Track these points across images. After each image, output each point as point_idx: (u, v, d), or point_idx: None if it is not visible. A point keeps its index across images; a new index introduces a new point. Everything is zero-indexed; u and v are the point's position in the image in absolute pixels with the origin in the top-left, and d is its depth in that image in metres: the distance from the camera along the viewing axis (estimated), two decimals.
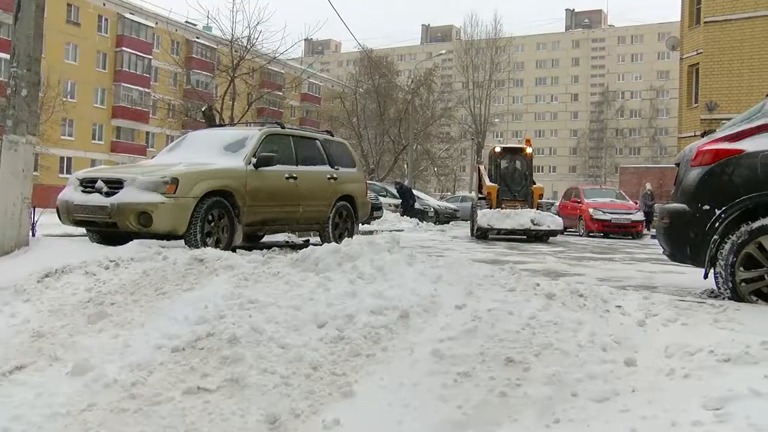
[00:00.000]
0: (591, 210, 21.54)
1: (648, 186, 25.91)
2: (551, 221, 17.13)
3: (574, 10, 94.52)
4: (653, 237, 15.26)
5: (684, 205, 5.68)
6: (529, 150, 19.26)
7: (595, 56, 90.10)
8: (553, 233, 17.37)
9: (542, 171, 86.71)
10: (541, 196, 19.47)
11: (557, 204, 26.57)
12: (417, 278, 4.64)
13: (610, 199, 22.92)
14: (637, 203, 23.78)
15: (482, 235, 17.38)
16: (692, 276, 7.27)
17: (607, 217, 21.25)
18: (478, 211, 17.40)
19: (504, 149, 20.09)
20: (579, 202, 22.61)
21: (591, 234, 21.39)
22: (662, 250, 6.25)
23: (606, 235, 21.20)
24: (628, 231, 21.41)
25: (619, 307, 4.66)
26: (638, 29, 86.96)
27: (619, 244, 17.83)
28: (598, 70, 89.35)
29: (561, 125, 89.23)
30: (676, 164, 6.40)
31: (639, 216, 21.95)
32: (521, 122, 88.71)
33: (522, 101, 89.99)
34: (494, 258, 10.61)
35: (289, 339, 3.72)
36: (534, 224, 16.35)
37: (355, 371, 3.45)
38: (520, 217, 16.74)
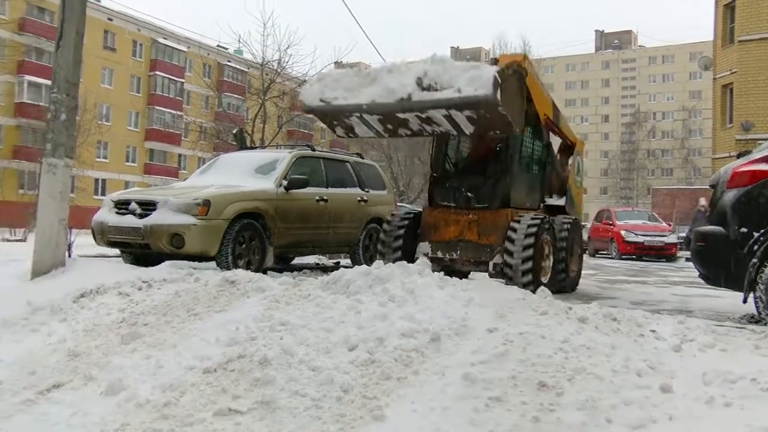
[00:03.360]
0: (623, 232, 21.23)
1: (702, 201, 25.10)
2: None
3: (603, 31, 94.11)
4: (688, 260, 14.98)
5: (720, 228, 5.59)
6: None
7: (626, 77, 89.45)
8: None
9: None
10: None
11: (589, 226, 26.25)
12: (448, 301, 4.63)
13: (643, 221, 22.58)
14: (670, 225, 23.37)
15: None
16: (730, 300, 7.12)
17: (640, 239, 20.92)
18: None
19: None
20: (611, 224, 22.31)
21: (623, 256, 21.08)
22: (698, 273, 6.14)
23: (639, 258, 20.87)
24: (661, 254, 21.06)
25: (654, 331, 4.57)
26: (669, 49, 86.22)
27: (653, 266, 17.53)
28: (629, 91, 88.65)
29: (592, 146, 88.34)
30: (711, 186, 6.30)
31: (673, 238, 21.59)
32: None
33: None
34: None
35: (320, 361, 3.72)
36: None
37: (386, 394, 3.43)
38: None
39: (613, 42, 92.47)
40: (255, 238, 8.26)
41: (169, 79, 50.75)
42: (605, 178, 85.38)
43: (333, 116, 7.60)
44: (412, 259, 7.55)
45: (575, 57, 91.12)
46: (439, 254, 8.14)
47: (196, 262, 7.35)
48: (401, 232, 8.28)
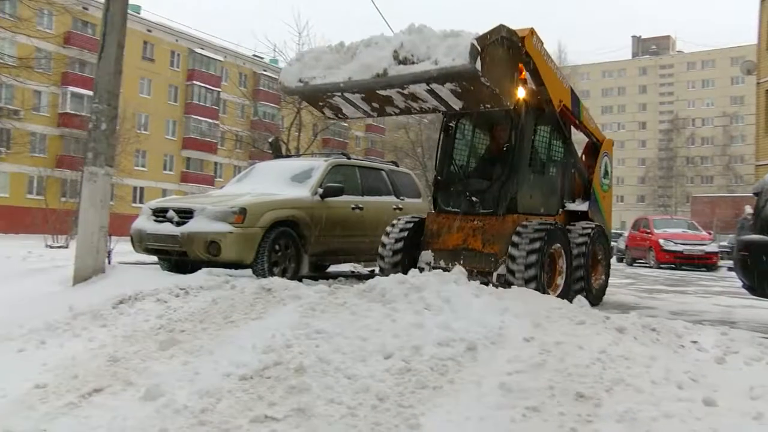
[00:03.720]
0: (662, 241, 20.87)
1: (748, 209, 24.69)
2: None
3: (640, 36, 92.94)
4: (730, 269, 14.65)
5: (765, 237, 5.46)
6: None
7: (664, 83, 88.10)
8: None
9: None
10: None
11: (626, 234, 25.85)
12: (484, 310, 4.60)
13: (682, 229, 22.17)
14: (711, 233, 22.89)
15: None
16: None
17: (679, 248, 20.54)
18: None
19: None
20: (649, 233, 21.96)
21: (662, 266, 20.71)
22: (741, 283, 6.00)
23: (678, 267, 20.48)
24: (701, 263, 20.63)
25: (695, 342, 4.48)
26: (709, 54, 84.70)
27: (693, 276, 17.18)
28: (666, 98, 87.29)
29: (629, 154, 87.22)
30: (754, 193, 6.17)
31: (713, 247, 21.14)
32: None
33: None
34: None
35: (355, 369, 3.72)
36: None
37: (421, 403, 3.42)
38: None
39: (651, 48, 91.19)
40: (290, 246, 8.32)
41: (206, 88, 51.50)
42: (642, 186, 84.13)
43: (314, 97, 7.28)
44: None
45: (612, 63, 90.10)
46: (442, 264, 7.56)
47: (233, 270, 7.42)
48: (400, 245, 7.75)
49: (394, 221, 8.12)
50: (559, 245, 7.31)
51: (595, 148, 9.36)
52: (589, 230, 8.03)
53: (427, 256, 7.75)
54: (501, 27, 6.06)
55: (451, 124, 8.21)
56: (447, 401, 3.42)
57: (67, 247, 17.57)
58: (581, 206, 8.66)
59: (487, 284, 6.17)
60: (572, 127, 8.67)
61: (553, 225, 7.29)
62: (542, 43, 7.31)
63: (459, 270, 5.27)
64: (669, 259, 20.63)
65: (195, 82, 50.89)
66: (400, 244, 7.71)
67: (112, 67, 7.56)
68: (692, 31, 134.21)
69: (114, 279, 7.11)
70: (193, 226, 7.83)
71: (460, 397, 3.45)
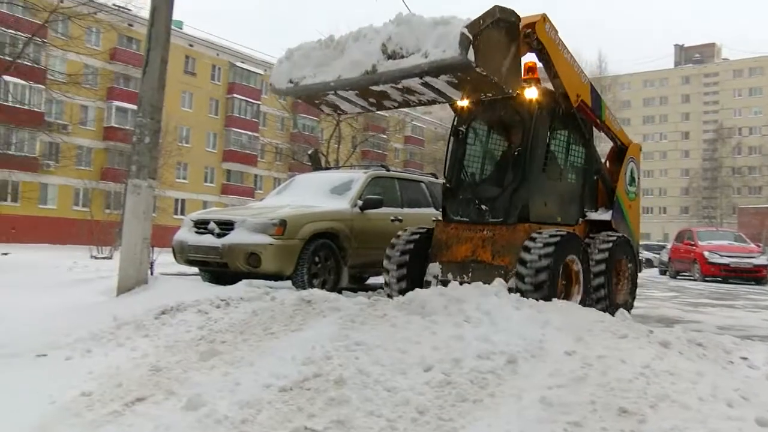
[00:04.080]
0: (707, 253, 20.37)
1: None
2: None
3: (683, 45, 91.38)
4: None
5: None
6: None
7: (708, 92, 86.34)
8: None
9: (652, 212, 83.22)
10: None
11: (669, 246, 25.34)
12: (524, 322, 4.56)
13: (728, 241, 21.61)
14: (760, 246, 22.27)
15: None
16: None
17: (725, 260, 20.01)
18: None
19: None
20: (693, 245, 21.47)
21: (707, 278, 20.22)
22: None
23: (724, 280, 19.97)
24: (750, 276, 20.06)
25: (745, 359, 4.36)
26: (757, 61, 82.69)
27: (741, 289, 16.72)
28: (711, 107, 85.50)
29: (671, 164, 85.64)
30: None
31: (763, 260, 20.53)
32: None
33: None
34: None
35: (395, 382, 3.71)
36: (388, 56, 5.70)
37: (461, 416, 3.39)
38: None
39: (694, 56, 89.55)
40: (330, 258, 8.36)
41: (246, 101, 52.20)
42: (686, 197, 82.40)
43: (308, 96, 6.87)
44: (420, 286, 6.78)
45: (653, 73, 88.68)
46: (450, 277, 7.11)
47: (272, 282, 7.48)
48: (405, 257, 7.32)
49: (400, 232, 7.76)
50: (575, 256, 6.82)
51: (620, 153, 8.71)
52: (612, 241, 7.51)
53: (434, 268, 7.39)
54: (495, 9, 5.49)
55: (461, 128, 7.79)
56: (487, 415, 3.38)
57: (111, 258, 17.95)
58: (604, 215, 8.08)
59: None
60: (594, 128, 8.14)
61: (569, 233, 6.86)
62: (556, 32, 6.91)
63: (499, 282, 5.21)
64: (714, 272, 20.13)
65: (235, 95, 51.62)
66: (405, 257, 7.35)
67: (156, 81, 7.72)
68: (737, 39, 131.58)
69: (156, 290, 7.24)
70: (233, 237, 7.93)
71: (501, 411, 3.41)
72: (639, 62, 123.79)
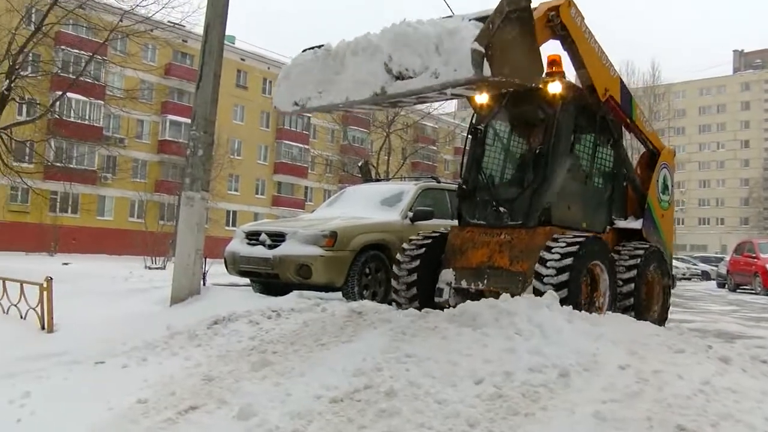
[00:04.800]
0: None
1: None
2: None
3: (743, 50, 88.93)
4: None
5: None
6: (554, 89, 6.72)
7: None
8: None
9: (709, 223, 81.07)
10: None
11: (728, 259, 24.57)
12: (576, 335, 4.47)
13: None
14: None
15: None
16: None
17: None
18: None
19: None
20: (754, 257, 20.74)
21: None
22: None
23: None
24: None
25: None
26: None
27: None
28: None
29: (729, 174, 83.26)
30: None
31: None
32: (684, 172, 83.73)
33: (684, 150, 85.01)
34: None
35: (446, 394, 3.69)
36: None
37: (512, 430, 3.35)
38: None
39: (755, 62, 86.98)
40: (381, 270, 8.37)
41: (297, 114, 52.86)
42: (746, 208, 79.87)
43: (319, 111, 6.67)
44: (431, 295, 6.58)
45: (710, 80, 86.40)
46: (464, 284, 6.69)
47: (323, 293, 7.53)
48: (416, 263, 6.84)
49: (411, 237, 7.30)
50: (601, 262, 6.34)
51: (652, 158, 8.13)
52: (643, 251, 6.98)
53: (447, 275, 6.92)
54: (502, 3, 4.86)
55: (479, 127, 7.27)
56: (538, 429, 3.33)
57: (164, 269, 18.36)
58: (634, 224, 7.55)
59: None
60: (624, 129, 7.60)
61: (595, 237, 6.43)
62: (582, 18, 6.45)
63: (551, 295, 5.12)
64: None
65: None
66: (416, 263, 6.88)
67: (209, 96, 7.88)
68: None
69: (208, 300, 7.36)
70: (284, 249, 8.01)
71: (552, 425, 3.35)
72: (695, 70, 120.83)
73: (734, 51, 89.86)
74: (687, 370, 3.80)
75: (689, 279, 34.63)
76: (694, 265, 38.71)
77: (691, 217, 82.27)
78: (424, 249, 6.95)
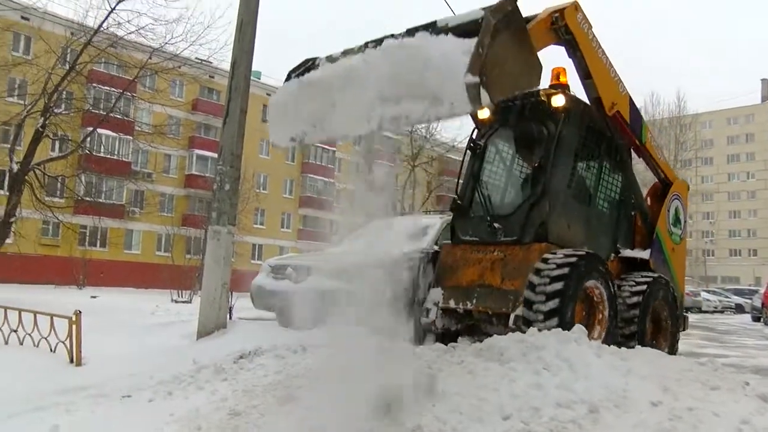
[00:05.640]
0: None
1: None
2: None
3: None
4: None
5: None
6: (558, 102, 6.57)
7: None
8: None
9: (740, 254, 79.60)
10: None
11: (762, 291, 24.06)
12: (606, 370, 4.39)
13: None
14: None
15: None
16: None
17: None
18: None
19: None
20: None
21: None
22: None
23: None
24: None
25: None
26: None
27: None
28: None
29: (761, 204, 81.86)
30: None
31: None
32: (712, 202, 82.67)
33: (712, 180, 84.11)
34: (689, 350, 9.75)
35: (473, 430, 3.64)
36: None
37: None
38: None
39: None
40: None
41: (322, 147, 53.23)
42: None
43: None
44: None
45: (738, 109, 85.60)
46: (451, 303, 6.31)
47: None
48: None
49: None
50: (597, 282, 5.92)
51: (663, 189, 7.77)
52: (648, 281, 6.60)
53: (435, 294, 6.61)
54: (488, 18, 4.36)
55: (479, 142, 7.01)
56: None
57: (190, 302, 18.43)
58: (641, 254, 7.20)
59: (503, 333, 5.10)
60: (634, 153, 7.25)
61: (589, 254, 6.00)
62: (590, 25, 6.10)
63: (579, 329, 5.03)
64: None
65: None
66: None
67: (236, 131, 7.99)
68: None
69: (235, 334, 7.36)
70: (310, 283, 8.01)
71: None
72: (721, 99, 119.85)
73: (762, 80, 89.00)
74: (723, 408, 3.71)
75: (722, 312, 33.91)
76: (727, 297, 37.92)
77: (722, 248, 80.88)
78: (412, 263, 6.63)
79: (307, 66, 5.32)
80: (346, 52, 5.08)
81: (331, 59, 5.26)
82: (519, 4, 4.56)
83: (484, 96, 4.27)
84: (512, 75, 4.63)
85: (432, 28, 4.56)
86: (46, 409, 4.81)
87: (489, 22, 4.39)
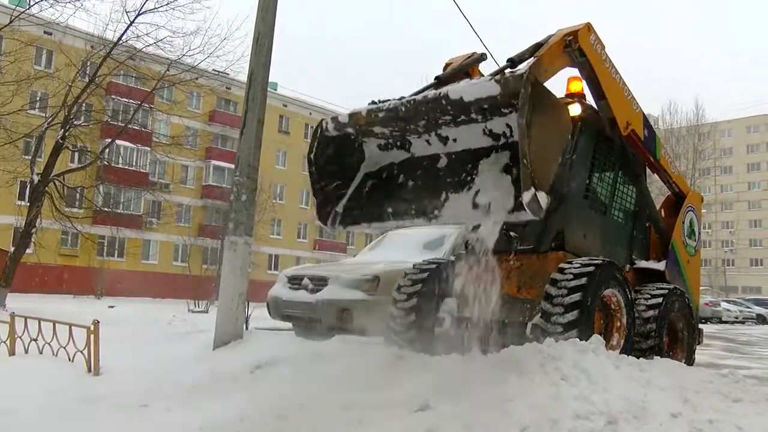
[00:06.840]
0: None
1: None
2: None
3: None
4: None
5: None
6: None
7: None
8: None
9: (762, 264, 78.67)
10: None
11: None
12: (625, 381, 4.35)
13: None
14: None
15: None
16: None
17: None
18: None
19: None
20: None
21: None
22: None
23: None
24: None
25: None
26: None
27: None
28: None
29: None
30: None
31: None
32: (732, 211, 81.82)
33: (732, 189, 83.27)
34: (709, 361, 9.64)
35: None
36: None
37: None
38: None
39: None
40: None
41: None
42: None
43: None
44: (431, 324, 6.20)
45: (758, 117, 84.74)
46: (467, 313, 6.13)
47: (366, 337, 7.49)
48: (414, 301, 6.50)
49: (407, 270, 7.02)
50: (614, 290, 5.87)
51: (677, 202, 7.85)
52: (665, 292, 6.59)
53: (450, 303, 6.55)
54: (519, 121, 4.23)
55: None
56: None
57: (207, 312, 18.52)
58: (656, 265, 7.24)
59: (519, 343, 5.06)
60: (648, 168, 7.28)
61: (606, 261, 5.91)
62: (603, 46, 6.07)
63: (597, 339, 4.99)
64: None
65: None
66: (411, 314, 6.61)
67: (253, 142, 8.02)
68: None
69: (251, 344, 7.36)
70: (327, 293, 8.03)
71: None
72: (737, 108, 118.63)
73: None
74: (746, 421, 3.65)
75: (743, 323, 33.52)
76: (748, 308, 37.45)
77: (742, 258, 79.99)
78: (420, 286, 6.65)
79: None
80: None
81: None
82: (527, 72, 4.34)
83: (543, 199, 4.29)
84: (551, 142, 4.45)
85: None
86: (65, 419, 4.84)
87: (522, 126, 4.18)
